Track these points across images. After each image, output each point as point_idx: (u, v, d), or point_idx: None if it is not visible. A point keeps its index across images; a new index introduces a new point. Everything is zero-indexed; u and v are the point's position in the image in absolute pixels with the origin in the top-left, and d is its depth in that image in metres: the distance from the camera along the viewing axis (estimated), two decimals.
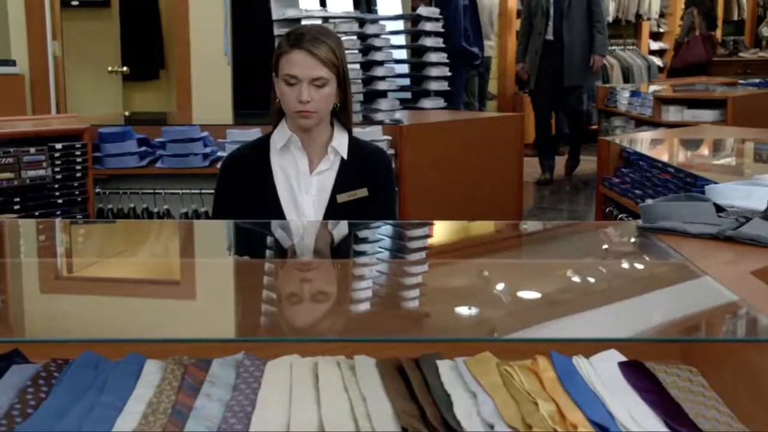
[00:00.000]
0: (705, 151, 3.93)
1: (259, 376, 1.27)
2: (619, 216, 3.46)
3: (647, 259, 1.89)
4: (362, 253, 2.07)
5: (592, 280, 1.79)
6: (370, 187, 2.38)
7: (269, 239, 2.21)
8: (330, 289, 1.74)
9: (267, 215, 2.33)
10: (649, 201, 1.94)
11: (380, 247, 2.08)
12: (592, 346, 1.32)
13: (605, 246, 2.10)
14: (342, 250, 2.09)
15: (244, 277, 1.83)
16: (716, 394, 1.28)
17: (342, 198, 2.36)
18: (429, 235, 2.32)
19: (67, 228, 2.53)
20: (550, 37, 7.40)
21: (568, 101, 7.66)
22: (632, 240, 1.96)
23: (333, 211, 2.35)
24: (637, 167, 3.50)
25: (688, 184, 2.89)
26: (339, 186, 2.37)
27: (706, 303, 1.54)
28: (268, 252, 2.13)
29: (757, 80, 7.98)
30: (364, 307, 1.61)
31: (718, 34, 11.81)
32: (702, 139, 4.19)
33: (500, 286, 1.74)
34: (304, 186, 2.37)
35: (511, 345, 1.38)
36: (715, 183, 2.19)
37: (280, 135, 2.38)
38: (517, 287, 1.70)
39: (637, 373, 1.28)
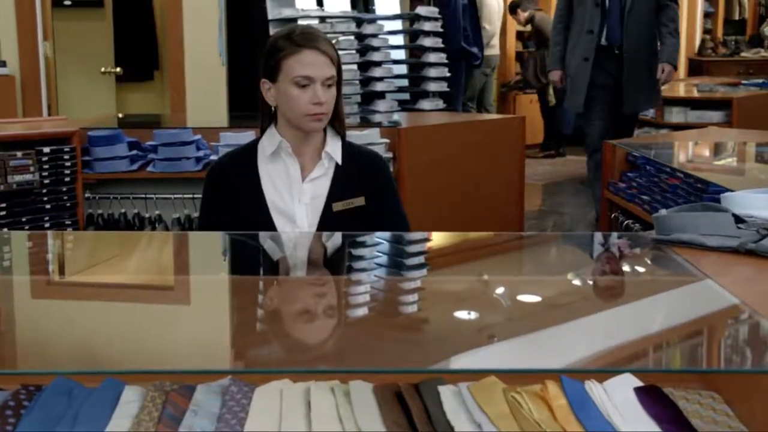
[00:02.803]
0: (714, 154, 3.84)
1: (247, 404, 1.20)
2: (626, 222, 3.37)
3: (663, 274, 1.81)
4: (357, 269, 1.97)
5: (605, 298, 1.72)
6: (368, 195, 2.26)
7: (258, 254, 2.10)
8: (323, 310, 1.64)
9: (257, 225, 2.21)
10: (663, 211, 1.85)
11: (376, 262, 1.98)
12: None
13: (619, 260, 2.01)
14: (336, 265, 1.99)
15: (231, 296, 1.74)
16: (742, 424, 1.19)
17: (338, 206, 2.23)
18: (427, 249, 2.22)
19: (49, 239, 2.43)
20: (603, 41, 5.27)
21: (620, 132, 5.19)
22: (647, 253, 1.88)
23: (328, 220, 2.22)
24: (643, 171, 3.41)
25: (699, 190, 2.78)
26: (334, 193, 2.25)
27: (727, 325, 1.46)
28: (256, 268, 2.03)
29: (760, 80, 7.91)
30: (360, 330, 1.52)
31: (719, 33, 11.76)
32: (710, 142, 4.09)
33: (507, 304, 1.65)
34: (297, 194, 2.25)
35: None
36: (729, 190, 2.10)
37: (270, 140, 2.27)
38: (525, 306, 1.61)
39: (655, 400, 1.21)
